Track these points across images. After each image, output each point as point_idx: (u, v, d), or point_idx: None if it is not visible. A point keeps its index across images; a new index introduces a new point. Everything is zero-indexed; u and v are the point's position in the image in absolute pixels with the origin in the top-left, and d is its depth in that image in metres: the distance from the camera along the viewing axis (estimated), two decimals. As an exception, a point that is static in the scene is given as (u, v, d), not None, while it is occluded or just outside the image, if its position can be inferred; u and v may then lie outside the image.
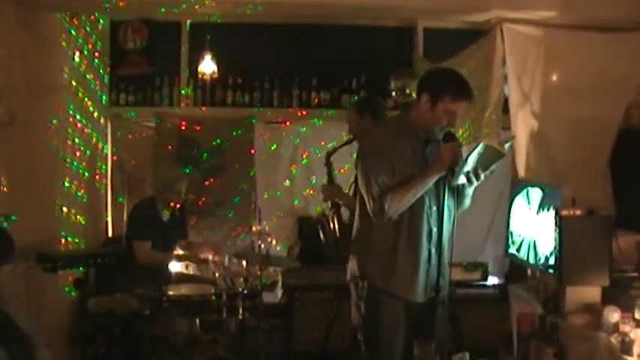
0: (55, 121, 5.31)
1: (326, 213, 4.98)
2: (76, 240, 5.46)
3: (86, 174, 5.68)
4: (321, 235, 5.10)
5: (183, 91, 6.15)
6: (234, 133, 6.06)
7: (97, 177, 5.88)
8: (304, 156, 6.21)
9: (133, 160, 6.03)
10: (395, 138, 3.43)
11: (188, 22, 6.13)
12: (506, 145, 3.37)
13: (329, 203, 5.00)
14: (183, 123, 6.04)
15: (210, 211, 6.03)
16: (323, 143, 5.60)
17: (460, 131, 4.90)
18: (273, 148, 6.20)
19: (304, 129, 6.20)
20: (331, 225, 5.04)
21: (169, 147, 6.03)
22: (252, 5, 5.15)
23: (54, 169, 5.27)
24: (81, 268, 4.67)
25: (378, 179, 3.36)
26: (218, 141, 6.06)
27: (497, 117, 4.97)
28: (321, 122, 6.14)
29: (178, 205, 5.39)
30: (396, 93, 5.81)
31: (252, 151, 6.07)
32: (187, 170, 5.95)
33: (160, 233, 5.26)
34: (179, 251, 5.51)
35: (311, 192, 5.99)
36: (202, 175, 6.05)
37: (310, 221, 5.99)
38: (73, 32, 5.49)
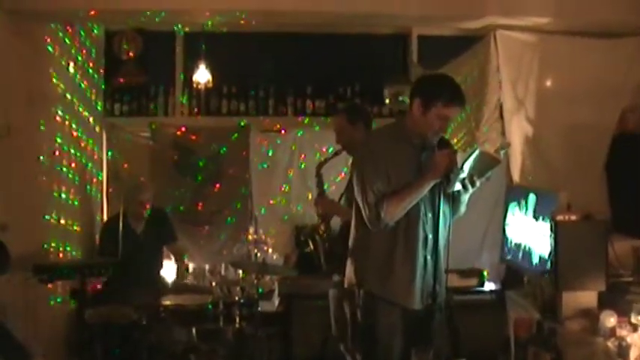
0: (50, 131, 5.30)
1: (319, 227, 4.87)
2: (73, 251, 5.44)
3: (81, 183, 5.67)
4: (311, 247, 5.02)
5: (182, 100, 6.14)
6: (234, 137, 6.04)
7: (93, 185, 5.86)
8: (302, 158, 6.17)
9: (129, 169, 6.01)
10: (391, 145, 3.44)
11: (182, 31, 6.13)
12: (502, 152, 3.38)
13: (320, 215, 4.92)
14: (179, 132, 6.03)
15: (207, 220, 6.02)
16: (325, 150, 5.56)
17: (455, 140, 4.91)
18: (270, 153, 6.17)
19: (301, 133, 6.18)
20: (321, 237, 4.96)
21: (166, 156, 6.01)
22: (244, 14, 5.18)
23: (49, 179, 5.24)
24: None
25: (373, 187, 3.36)
26: (221, 150, 6.04)
27: (496, 122, 4.99)
28: (317, 128, 6.12)
29: (144, 213, 5.36)
30: (390, 100, 5.80)
31: (246, 153, 6.04)
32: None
33: (132, 247, 5.21)
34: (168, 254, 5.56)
35: (309, 197, 5.94)
36: (201, 183, 6.04)
37: (306, 229, 5.94)
38: (67, 41, 5.48)
